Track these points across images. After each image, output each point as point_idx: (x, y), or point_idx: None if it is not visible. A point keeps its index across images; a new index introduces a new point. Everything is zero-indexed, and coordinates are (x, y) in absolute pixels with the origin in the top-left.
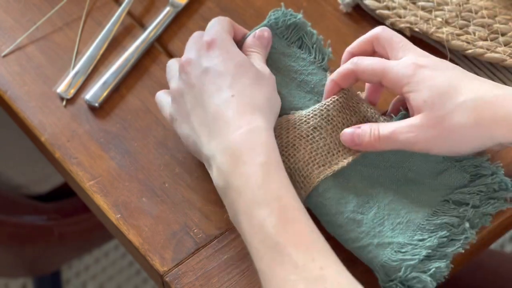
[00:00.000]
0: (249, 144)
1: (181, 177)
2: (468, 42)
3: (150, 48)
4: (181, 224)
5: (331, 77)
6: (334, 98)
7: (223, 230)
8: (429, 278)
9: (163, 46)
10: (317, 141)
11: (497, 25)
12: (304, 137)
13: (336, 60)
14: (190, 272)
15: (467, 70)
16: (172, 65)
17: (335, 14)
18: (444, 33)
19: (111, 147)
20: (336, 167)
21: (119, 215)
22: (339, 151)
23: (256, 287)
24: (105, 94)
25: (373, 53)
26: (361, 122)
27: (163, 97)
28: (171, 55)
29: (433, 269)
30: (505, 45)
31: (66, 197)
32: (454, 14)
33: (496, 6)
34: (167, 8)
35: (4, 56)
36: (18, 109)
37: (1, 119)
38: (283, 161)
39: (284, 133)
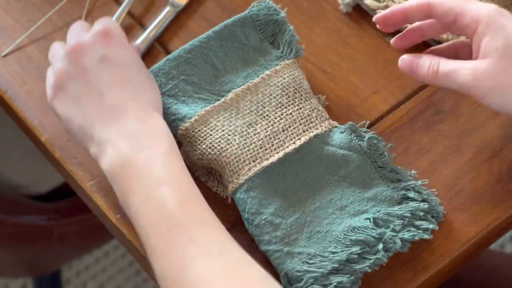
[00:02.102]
0: (153, 132)
1: None
2: None
3: (150, 48)
4: None
5: (403, 5)
6: (271, 96)
7: None
8: None
9: (163, 46)
10: (251, 137)
11: None
12: (238, 133)
13: (335, 61)
14: None
15: None
16: (58, 46)
17: (335, 14)
18: None
19: None
20: (266, 162)
21: (119, 215)
22: (272, 145)
23: None
24: None
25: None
26: (301, 119)
27: (54, 59)
28: None
29: (335, 283)
30: None
31: (66, 197)
32: None
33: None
34: (167, 8)
35: (4, 56)
36: (18, 109)
37: (1, 119)
38: (215, 154)
39: (219, 126)
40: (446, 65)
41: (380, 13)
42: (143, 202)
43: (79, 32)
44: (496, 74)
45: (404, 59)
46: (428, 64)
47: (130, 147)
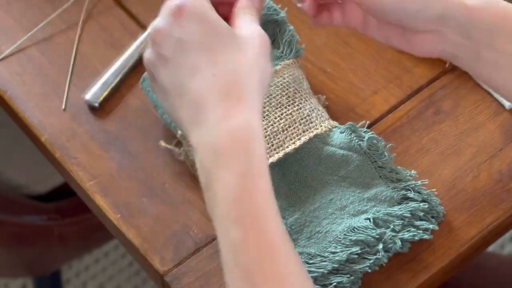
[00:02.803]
0: (231, 145)
1: (181, 177)
2: None
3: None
4: (181, 224)
5: None
6: (271, 95)
7: None
8: None
9: None
10: None
11: None
12: None
13: (335, 61)
14: (190, 272)
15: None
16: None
17: None
18: None
19: (111, 147)
20: None
21: (119, 215)
22: (272, 145)
23: None
24: (105, 94)
25: None
26: (301, 119)
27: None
28: None
29: (335, 283)
30: None
31: (66, 197)
32: None
33: None
34: None
35: (5, 56)
36: (18, 109)
37: (1, 119)
38: None
39: None
40: None
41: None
42: (221, 235)
43: (163, 9)
44: None
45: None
46: None
47: (209, 161)
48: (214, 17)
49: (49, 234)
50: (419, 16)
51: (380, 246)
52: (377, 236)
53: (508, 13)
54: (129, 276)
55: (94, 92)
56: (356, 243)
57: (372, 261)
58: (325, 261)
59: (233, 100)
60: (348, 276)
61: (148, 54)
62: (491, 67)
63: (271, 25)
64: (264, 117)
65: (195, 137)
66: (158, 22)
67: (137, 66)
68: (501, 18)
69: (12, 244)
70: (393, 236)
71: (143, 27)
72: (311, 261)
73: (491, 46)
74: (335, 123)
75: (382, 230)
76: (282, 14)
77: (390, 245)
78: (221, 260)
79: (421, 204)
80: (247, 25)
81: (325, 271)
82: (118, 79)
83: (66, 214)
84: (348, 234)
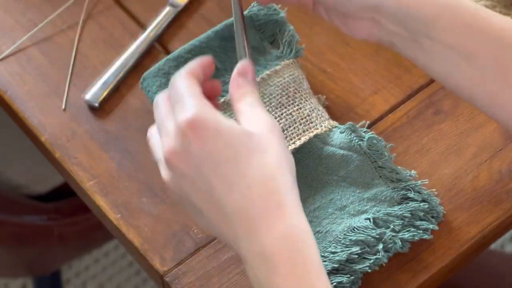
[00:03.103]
0: (283, 252)
1: None
2: None
3: (150, 48)
4: (181, 224)
5: None
6: (271, 95)
7: None
8: None
9: (163, 46)
10: None
11: None
12: None
13: (335, 61)
14: (190, 272)
15: None
16: (155, 139)
17: None
18: None
19: (111, 147)
20: None
21: (119, 215)
22: None
23: None
24: (105, 94)
25: None
26: (301, 119)
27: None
28: None
29: (335, 283)
30: None
31: (66, 197)
32: None
33: (496, 5)
34: (167, 8)
35: (5, 56)
36: (18, 109)
37: (1, 119)
38: None
39: None
40: None
41: None
42: None
43: (164, 120)
44: None
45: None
46: None
47: (263, 271)
48: (227, 124)
49: (49, 234)
50: (352, 3)
51: (380, 246)
52: (377, 236)
53: (444, 3)
54: (129, 276)
55: (94, 92)
56: (356, 243)
57: (372, 261)
58: (325, 261)
59: (274, 207)
60: (348, 276)
61: (168, 177)
62: (431, 58)
63: (271, 25)
64: None
65: (244, 248)
66: (169, 144)
67: (137, 66)
68: (437, 8)
69: (12, 244)
70: (393, 236)
71: (143, 27)
72: None
73: (429, 36)
74: (335, 123)
75: (382, 230)
76: (282, 14)
77: (390, 245)
78: None
79: (421, 204)
80: (252, 114)
81: (327, 271)
82: (118, 79)
83: (66, 214)
84: (348, 234)
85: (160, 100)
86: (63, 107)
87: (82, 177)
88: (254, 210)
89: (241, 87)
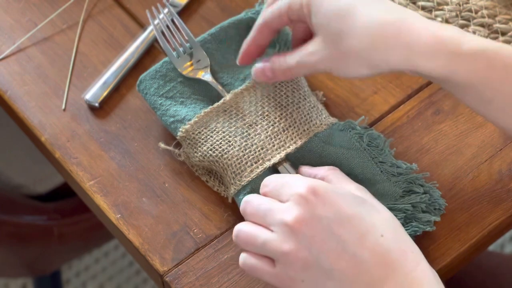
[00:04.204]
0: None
1: (181, 177)
2: None
3: (150, 48)
4: (181, 224)
5: (249, 39)
6: (270, 96)
7: (223, 230)
8: None
9: None
10: (251, 138)
11: (497, 25)
12: (239, 134)
13: None
14: (190, 272)
15: None
16: (249, 226)
17: None
18: None
19: (111, 147)
20: (268, 163)
21: (119, 215)
22: (273, 146)
23: (256, 287)
24: (105, 94)
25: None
26: (301, 118)
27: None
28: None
29: None
30: None
31: (66, 197)
32: (454, 14)
33: (496, 5)
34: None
35: (5, 56)
36: (18, 109)
37: (1, 119)
38: (217, 156)
39: (220, 127)
40: (292, 58)
41: (239, 55)
42: None
43: (271, 205)
44: (329, 46)
45: (255, 71)
46: (278, 64)
47: None
48: (339, 187)
49: (49, 234)
50: (384, 65)
51: None
52: None
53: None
54: (129, 276)
55: (94, 92)
56: None
57: None
58: None
59: (409, 250)
60: None
61: (295, 246)
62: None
63: None
64: (264, 118)
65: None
66: (292, 215)
67: (137, 66)
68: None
69: (12, 244)
70: None
71: (143, 27)
72: None
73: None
74: (334, 120)
75: None
76: None
77: None
78: None
79: (423, 196)
80: (350, 186)
81: None
82: (118, 79)
83: (66, 214)
84: None
85: (251, 199)
86: (63, 107)
87: (82, 177)
88: (392, 254)
89: (330, 172)
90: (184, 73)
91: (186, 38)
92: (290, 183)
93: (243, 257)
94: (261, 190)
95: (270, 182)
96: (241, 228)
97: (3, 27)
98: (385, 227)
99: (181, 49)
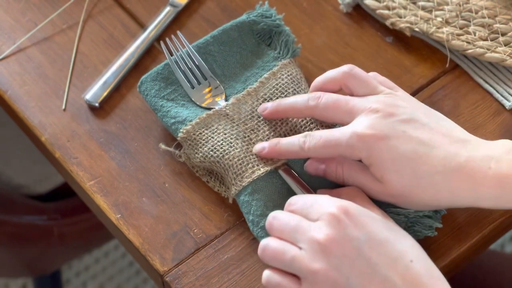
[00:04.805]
0: None
1: (181, 177)
2: (468, 42)
3: (150, 48)
4: (181, 224)
5: (288, 105)
6: (271, 99)
7: (223, 230)
8: None
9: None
10: (253, 142)
11: (497, 25)
12: (241, 137)
13: (335, 61)
14: (190, 272)
15: (467, 70)
16: (283, 246)
17: (335, 14)
18: (444, 33)
19: (111, 147)
20: (270, 167)
21: (119, 215)
22: None
23: (256, 287)
24: (105, 94)
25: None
26: (302, 121)
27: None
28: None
29: None
30: (505, 45)
31: (66, 197)
32: (454, 14)
33: (496, 6)
34: (167, 8)
35: (5, 56)
36: (18, 109)
37: (1, 119)
38: (218, 156)
39: (221, 129)
40: (350, 177)
41: (266, 110)
42: None
43: (299, 224)
44: (392, 195)
45: (309, 166)
46: (334, 171)
47: None
48: (370, 210)
49: (49, 234)
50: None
51: None
52: None
53: None
54: (129, 276)
55: (94, 92)
56: None
57: None
58: None
59: (436, 278)
60: None
61: (325, 266)
62: None
63: (267, 28)
64: (266, 123)
65: None
66: (324, 234)
67: (137, 66)
68: None
69: (12, 244)
70: None
71: (143, 27)
72: None
73: None
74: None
75: None
76: (279, 17)
77: None
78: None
79: None
80: (375, 210)
81: None
82: (118, 79)
83: (66, 214)
84: None
85: (278, 215)
86: (63, 107)
87: (82, 177)
88: (423, 280)
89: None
90: (203, 104)
91: (202, 70)
92: (320, 202)
93: (268, 274)
94: (286, 208)
95: (298, 200)
96: (268, 242)
97: (3, 27)
98: (414, 253)
99: (195, 80)
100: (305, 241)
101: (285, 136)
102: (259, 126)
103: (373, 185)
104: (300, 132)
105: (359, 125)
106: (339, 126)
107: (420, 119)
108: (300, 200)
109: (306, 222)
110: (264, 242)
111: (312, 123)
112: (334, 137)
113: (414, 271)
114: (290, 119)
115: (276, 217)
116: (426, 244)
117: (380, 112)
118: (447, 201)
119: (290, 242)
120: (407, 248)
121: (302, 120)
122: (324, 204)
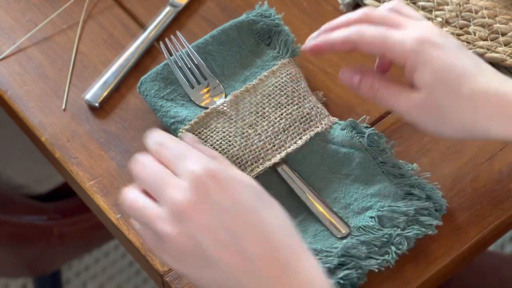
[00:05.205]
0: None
1: None
2: (468, 42)
3: (150, 48)
4: None
5: (329, 37)
6: (270, 96)
7: None
8: (335, 283)
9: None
10: (252, 138)
11: (497, 25)
12: (239, 134)
13: (334, 61)
14: None
15: None
16: (145, 203)
17: (335, 14)
18: None
19: (111, 147)
20: (268, 163)
21: (119, 215)
22: (273, 146)
23: None
24: (105, 94)
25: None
26: (301, 118)
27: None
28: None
29: (342, 275)
30: (505, 45)
31: (66, 197)
32: (454, 14)
33: (496, 6)
34: (167, 8)
35: (5, 56)
36: (18, 109)
37: (1, 119)
38: None
39: (220, 128)
40: (385, 91)
41: (308, 44)
42: None
43: (165, 177)
44: (429, 108)
45: (345, 73)
46: (369, 85)
47: None
48: (242, 174)
49: (49, 234)
50: (449, 129)
51: (389, 248)
52: (385, 239)
53: None
54: (129, 276)
55: (94, 92)
56: (363, 243)
57: (379, 261)
58: (330, 256)
59: (299, 249)
60: (355, 269)
61: (178, 232)
62: None
63: (267, 28)
64: (264, 118)
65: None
66: (184, 196)
67: (137, 66)
68: None
69: (12, 244)
70: (397, 234)
71: (143, 27)
72: (317, 257)
73: None
74: (335, 119)
75: (389, 231)
76: (278, 17)
77: (399, 247)
78: None
79: (426, 202)
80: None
81: (332, 266)
82: (118, 79)
83: (66, 214)
84: (354, 234)
85: (144, 160)
86: (63, 107)
87: (82, 177)
88: (282, 252)
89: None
90: (202, 104)
91: (201, 70)
92: (188, 157)
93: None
94: (157, 146)
95: (172, 147)
96: (128, 194)
97: (3, 27)
98: (279, 223)
99: (195, 80)
100: (165, 200)
101: (283, 131)
102: (257, 121)
103: (409, 94)
104: (299, 127)
105: (418, 30)
106: None
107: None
108: (174, 148)
109: (171, 177)
110: (125, 192)
111: (311, 120)
112: (389, 32)
113: (275, 243)
114: (289, 113)
115: (141, 163)
116: (427, 244)
117: (436, 30)
118: (483, 127)
119: (150, 195)
120: (272, 218)
121: (302, 118)
122: (193, 161)
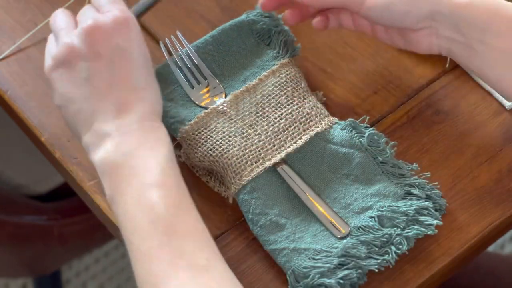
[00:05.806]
0: (155, 136)
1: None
2: None
3: (150, 48)
4: None
5: None
6: (270, 96)
7: (223, 230)
8: (334, 284)
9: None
10: (252, 137)
11: None
12: (239, 134)
13: (334, 61)
14: None
15: (467, 71)
16: (64, 17)
17: None
18: None
19: None
20: (268, 163)
21: None
22: (273, 146)
23: (256, 287)
24: None
25: None
26: (301, 118)
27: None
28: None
29: (342, 275)
30: None
31: (66, 197)
32: None
33: None
34: None
35: (5, 56)
36: (18, 109)
37: (1, 119)
38: (217, 156)
39: (220, 128)
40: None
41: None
42: (134, 204)
43: (95, 14)
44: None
45: (318, 21)
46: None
47: (130, 146)
48: (145, 44)
49: (49, 234)
50: (408, 16)
51: (389, 248)
52: (385, 239)
53: (496, 8)
54: (129, 276)
55: None
56: (363, 243)
57: (379, 261)
58: (331, 256)
59: (153, 114)
60: (355, 269)
61: (72, 41)
62: (484, 62)
63: (266, 28)
64: (264, 118)
65: (113, 125)
66: (100, 20)
67: None
68: (489, 13)
69: (12, 244)
70: (397, 234)
71: (143, 26)
72: (317, 257)
73: (482, 41)
74: (335, 119)
75: (389, 231)
76: (278, 17)
77: (398, 247)
78: (125, 232)
79: (425, 202)
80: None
81: (332, 266)
82: None
83: (66, 214)
84: (354, 234)
85: (57, 15)
86: None
87: (82, 177)
88: (135, 103)
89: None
90: (202, 104)
91: (201, 69)
92: (92, 10)
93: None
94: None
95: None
96: (56, 15)
97: (3, 27)
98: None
99: (195, 80)
100: (59, 43)
101: (283, 131)
102: (257, 121)
103: None
104: (299, 127)
105: None
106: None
107: None
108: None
109: (71, 27)
110: (55, 13)
111: (311, 120)
112: None
113: (138, 94)
114: (289, 113)
115: (57, 14)
116: (427, 244)
117: None
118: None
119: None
120: (149, 72)
121: (302, 118)
122: (91, 14)
